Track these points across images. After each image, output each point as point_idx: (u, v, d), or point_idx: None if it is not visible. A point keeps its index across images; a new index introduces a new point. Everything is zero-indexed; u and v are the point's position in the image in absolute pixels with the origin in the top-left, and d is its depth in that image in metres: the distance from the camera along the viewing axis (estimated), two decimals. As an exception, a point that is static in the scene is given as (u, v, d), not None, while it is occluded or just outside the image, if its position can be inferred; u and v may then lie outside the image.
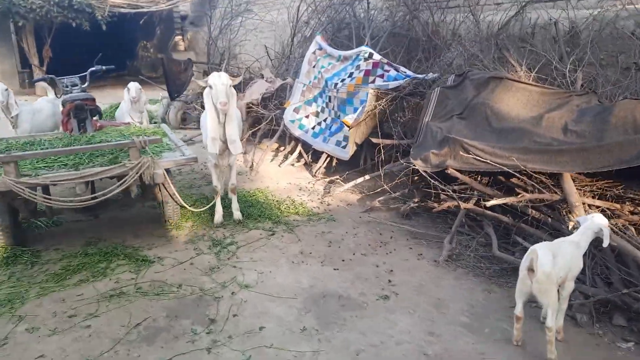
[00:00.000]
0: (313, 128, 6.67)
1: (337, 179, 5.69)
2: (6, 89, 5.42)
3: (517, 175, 3.63)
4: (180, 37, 21.14)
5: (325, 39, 6.97)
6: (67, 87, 5.54)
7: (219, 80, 3.88)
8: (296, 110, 6.91)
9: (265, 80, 8.09)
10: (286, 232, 4.32)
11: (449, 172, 4.02)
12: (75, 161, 3.56)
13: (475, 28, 5.99)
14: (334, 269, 3.63)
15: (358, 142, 5.67)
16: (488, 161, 3.71)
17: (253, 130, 7.28)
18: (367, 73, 5.90)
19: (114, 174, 3.43)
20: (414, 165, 4.28)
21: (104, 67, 5.78)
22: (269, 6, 9.32)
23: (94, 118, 5.04)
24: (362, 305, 3.13)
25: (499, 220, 3.84)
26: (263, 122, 7.35)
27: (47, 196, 3.25)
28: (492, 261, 3.60)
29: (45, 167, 3.51)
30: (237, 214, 4.53)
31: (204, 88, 3.99)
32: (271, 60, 9.37)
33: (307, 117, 6.82)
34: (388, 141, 5.26)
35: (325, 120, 6.55)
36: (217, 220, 4.44)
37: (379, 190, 5.09)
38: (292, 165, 6.56)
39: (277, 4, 9.47)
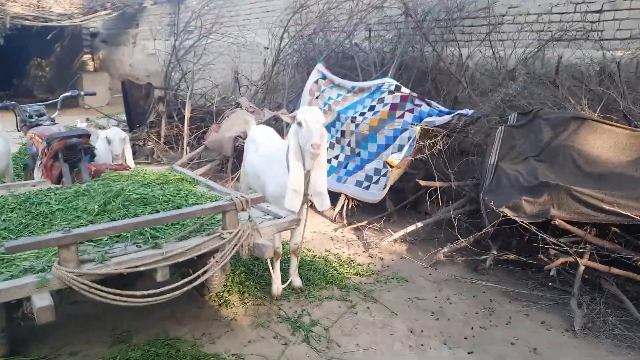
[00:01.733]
0: (321, 166, 5.93)
1: (367, 226, 5.02)
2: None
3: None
4: (89, 55, 19.06)
5: (328, 67, 6.33)
6: (31, 117, 4.29)
7: (312, 117, 3.06)
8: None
9: (246, 110, 7.19)
10: (366, 301, 3.54)
11: (556, 223, 3.57)
12: (135, 232, 2.47)
13: (495, 63, 5.78)
14: (468, 353, 2.94)
15: (391, 183, 5.07)
16: (615, 211, 3.33)
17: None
18: (394, 107, 5.36)
19: (210, 248, 2.42)
20: (504, 214, 3.78)
21: (82, 92, 4.57)
22: (246, 28, 8.43)
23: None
24: (550, 407, 2.49)
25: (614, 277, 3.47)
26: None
27: (120, 292, 2.13)
28: (633, 327, 3.18)
29: (88, 242, 2.38)
30: (297, 281, 3.64)
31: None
32: (240, 87, 8.45)
33: (311, 153, 6.07)
34: (439, 183, 4.73)
35: (337, 157, 5.85)
36: (278, 291, 3.51)
37: (426, 238, 4.56)
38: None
39: (253, 25, 8.62)
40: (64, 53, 20.15)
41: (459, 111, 4.97)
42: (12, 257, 2.22)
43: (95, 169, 3.84)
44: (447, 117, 4.88)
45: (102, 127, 10.11)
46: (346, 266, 4.10)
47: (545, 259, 3.74)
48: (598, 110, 4.34)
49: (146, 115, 7.15)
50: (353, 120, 5.56)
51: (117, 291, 2.15)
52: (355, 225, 5.07)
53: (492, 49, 5.83)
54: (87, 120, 12.20)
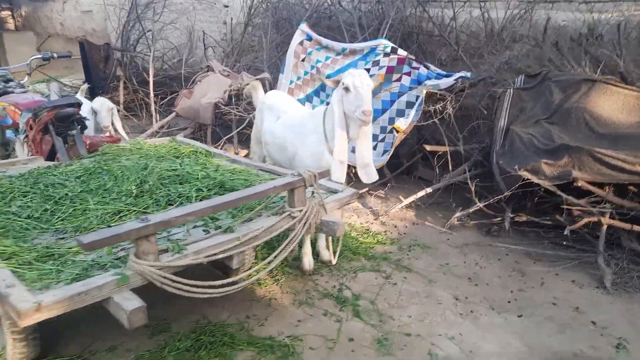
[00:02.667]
0: (311, 132, 5.70)
1: (374, 193, 4.92)
2: None
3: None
4: (8, 12, 17.09)
5: (312, 28, 5.99)
6: (-4, 84, 3.72)
7: (362, 81, 2.82)
8: (284, 110, 5.82)
9: (220, 74, 6.72)
10: (400, 271, 3.46)
11: (579, 184, 3.64)
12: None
13: (484, 24, 5.74)
14: (518, 316, 2.96)
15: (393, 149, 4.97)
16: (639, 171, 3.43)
17: (228, 135, 5.96)
18: (390, 70, 5.18)
19: (283, 229, 2.19)
20: (526, 177, 3.80)
21: (55, 54, 3.99)
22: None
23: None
24: (615, 364, 2.56)
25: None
26: (234, 125, 6.10)
27: (201, 283, 1.88)
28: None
29: None
30: (326, 254, 3.48)
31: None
32: (205, 48, 7.87)
33: (298, 119, 5.80)
34: (443, 148, 4.68)
35: (328, 123, 5.62)
36: (310, 266, 3.33)
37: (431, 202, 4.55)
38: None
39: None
40: (-25, 9, 17.93)
41: (460, 74, 4.88)
42: (63, 251, 1.87)
43: (90, 141, 3.40)
44: (450, 80, 4.78)
45: (40, 93, 9.11)
46: (365, 235, 4.00)
47: (561, 219, 3.84)
48: (598, 71, 4.43)
49: (107, 80, 6.47)
50: (346, 83, 5.34)
51: (198, 283, 1.89)
52: (359, 192, 4.95)
53: (481, 9, 5.76)
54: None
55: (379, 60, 5.29)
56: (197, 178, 2.56)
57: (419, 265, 3.56)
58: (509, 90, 4.38)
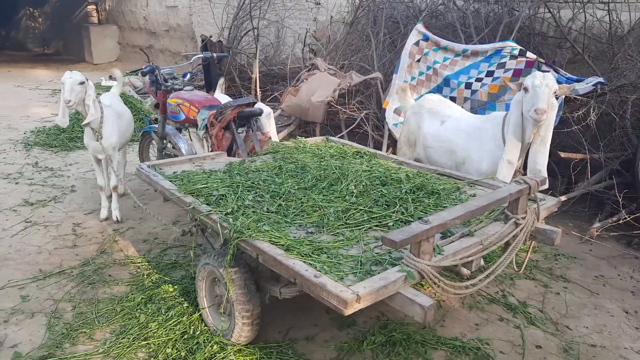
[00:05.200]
0: (424, 133, 5.72)
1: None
2: (82, 82, 3.52)
3: None
4: (93, 6, 17.98)
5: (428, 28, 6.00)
6: (166, 81, 3.95)
7: (542, 82, 2.85)
8: (397, 111, 5.88)
9: (327, 73, 6.84)
10: (555, 280, 3.45)
11: None
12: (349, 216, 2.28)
13: (610, 26, 5.56)
14: (699, 335, 2.90)
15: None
16: None
17: (339, 135, 6.07)
18: (517, 73, 5.11)
19: (510, 236, 2.26)
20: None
21: (214, 55, 4.20)
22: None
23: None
24: None
25: None
26: (342, 125, 6.21)
27: (454, 283, 2.02)
28: None
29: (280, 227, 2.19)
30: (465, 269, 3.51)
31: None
32: (303, 46, 8.03)
33: (411, 119, 5.83)
34: (580, 155, 4.59)
35: (444, 125, 5.63)
36: (467, 271, 3.38)
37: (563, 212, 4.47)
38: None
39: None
40: (62, 3, 19.00)
41: (597, 79, 4.77)
42: (328, 245, 2.01)
43: (260, 138, 3.58)
44: (589, 86, 4.68)
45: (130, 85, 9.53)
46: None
47: None
48: None
49: (222, 76, 6.71)
50: (468, 86, 5.32)
51: (455, 284, 2.02)
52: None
53: (609, 11, 5.58)
54: (111, 77, 11.50)
55: (504, 62, 5.23)
56: (399, 180, 2.64)
57: (573, 275, 3.53)
58: (656, 98, 4.24)
